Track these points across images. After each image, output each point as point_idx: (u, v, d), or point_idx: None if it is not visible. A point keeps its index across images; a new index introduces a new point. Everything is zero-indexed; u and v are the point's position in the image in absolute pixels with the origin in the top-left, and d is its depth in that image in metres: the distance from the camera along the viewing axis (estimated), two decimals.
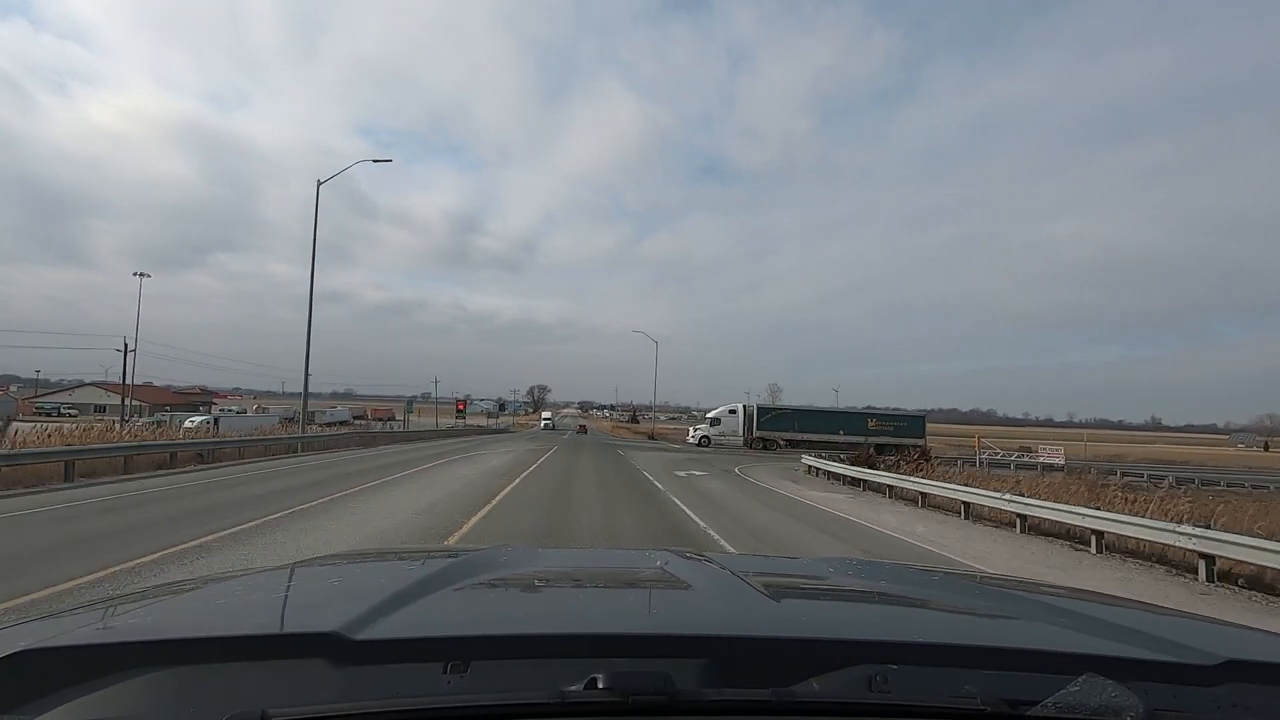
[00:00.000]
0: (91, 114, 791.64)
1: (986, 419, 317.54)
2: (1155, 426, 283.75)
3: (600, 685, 0.77)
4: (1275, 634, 1.21)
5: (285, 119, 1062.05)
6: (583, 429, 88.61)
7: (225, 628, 1.04)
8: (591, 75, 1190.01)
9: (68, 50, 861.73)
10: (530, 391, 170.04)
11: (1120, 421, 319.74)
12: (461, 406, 65.47)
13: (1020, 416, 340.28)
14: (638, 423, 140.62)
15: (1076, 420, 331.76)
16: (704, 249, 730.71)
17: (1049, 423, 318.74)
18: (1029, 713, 0.77)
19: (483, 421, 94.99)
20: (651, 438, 62.92)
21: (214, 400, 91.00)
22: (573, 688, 0.78)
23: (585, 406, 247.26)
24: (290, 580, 1.48)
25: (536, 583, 1.47)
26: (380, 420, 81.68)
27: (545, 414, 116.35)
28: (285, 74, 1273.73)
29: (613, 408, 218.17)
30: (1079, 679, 0.79)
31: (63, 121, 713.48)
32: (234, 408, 77.15)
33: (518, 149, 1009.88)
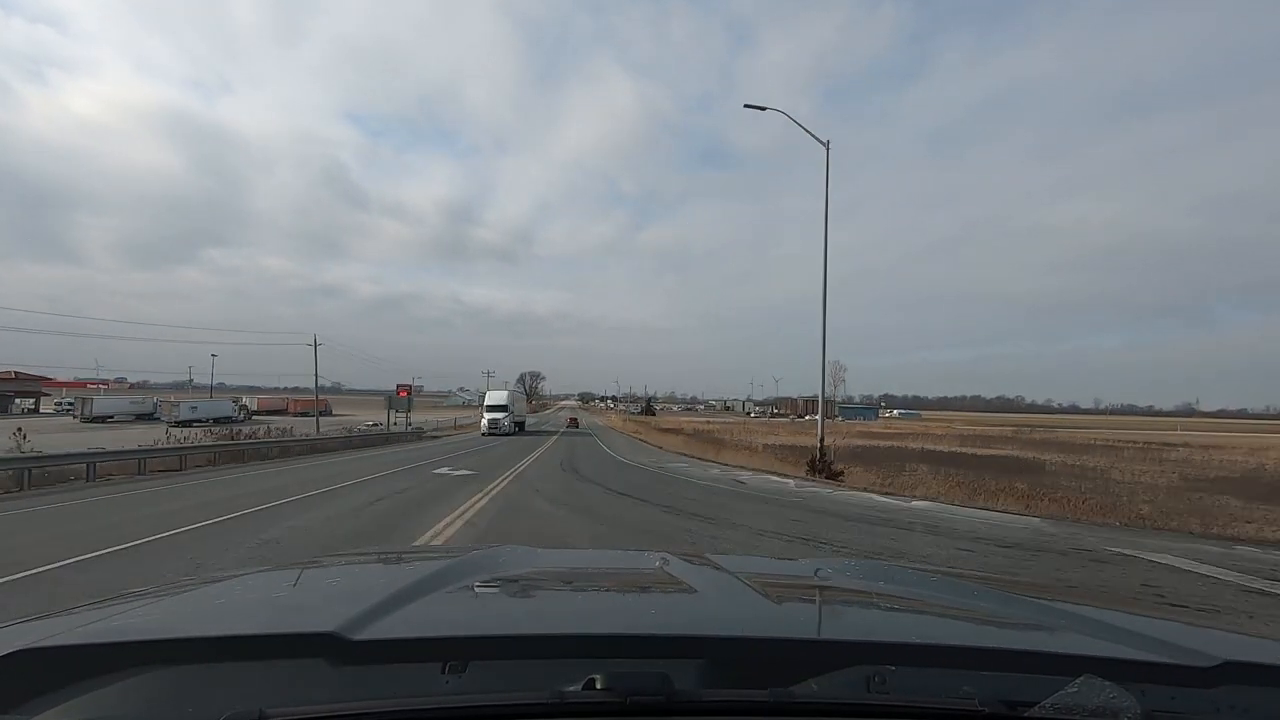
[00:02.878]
0: (71, 103, 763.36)
1: (1013, 406, 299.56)
2: (1188, 412, 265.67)
3: (599, 686, 0.77)
4: (1272, 637, 1.24)
5: (271, 106, 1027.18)
6: (573, 423, 65.26)
7: (223, 627, 1.04)
8: (587, 56, 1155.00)
9: (42, 35, 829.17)
10: (521, 380, 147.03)
11: (1150, 407, 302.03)
12: (404, 394, 44.29)
13: (1043, 403, 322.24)
14: (653, 414, 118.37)
15: (1103, 407, 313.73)
16: (703, 238, 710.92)
17: (1074, 409, 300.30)
18: (1027, 714, 0.77)
19: (459, 416, 71.71)
20: (831, 474, 18.88)
21: (43, 389, 69.40)
22: (571, 688, 0.78)
23: (586, 397, 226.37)
24: (288, 580, 1.46)
25: (535, 583, 1.48)
26: (301, 415, 60.77)
27: (495, 397, 47.83)
28: (270, 59, 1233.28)
29: (615, 398, 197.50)
30: (1077, 680, 0.79)
31: (42, 112, 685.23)
32: (94, 396, 55.74)
33: (512, 135, 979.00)
